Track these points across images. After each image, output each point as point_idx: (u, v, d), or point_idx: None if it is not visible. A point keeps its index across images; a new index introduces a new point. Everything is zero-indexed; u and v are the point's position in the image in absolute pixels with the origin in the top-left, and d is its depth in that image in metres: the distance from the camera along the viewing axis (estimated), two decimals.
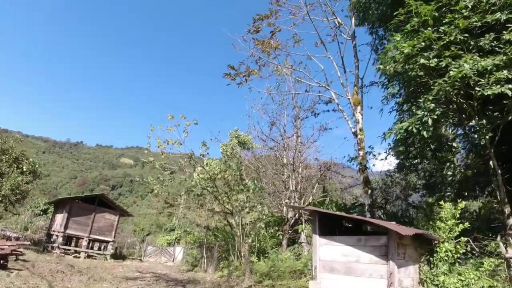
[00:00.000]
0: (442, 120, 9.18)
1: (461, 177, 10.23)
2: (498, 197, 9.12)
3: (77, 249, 24.72)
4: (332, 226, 7.89)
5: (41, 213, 42.26)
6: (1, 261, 11.40)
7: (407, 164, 31.15)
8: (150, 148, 14.96)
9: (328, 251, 7.24)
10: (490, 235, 8.92)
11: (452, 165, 10.20)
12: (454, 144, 10.37)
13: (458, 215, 7.86)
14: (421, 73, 9.28)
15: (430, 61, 9.23)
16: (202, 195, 17.10)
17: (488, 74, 8.08)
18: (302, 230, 17.17)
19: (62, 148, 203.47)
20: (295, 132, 20.91)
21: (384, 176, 29.60)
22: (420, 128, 8.85)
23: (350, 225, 8.90)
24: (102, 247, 25.95)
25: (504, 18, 8.51)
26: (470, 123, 10.50)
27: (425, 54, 9.29)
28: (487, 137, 9.03)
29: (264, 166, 22.97)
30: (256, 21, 15.22)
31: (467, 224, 7.86)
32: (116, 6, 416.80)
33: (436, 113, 8.83)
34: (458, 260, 7.55)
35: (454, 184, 10.51)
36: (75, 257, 23.53)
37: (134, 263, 24.13)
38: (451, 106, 9.77)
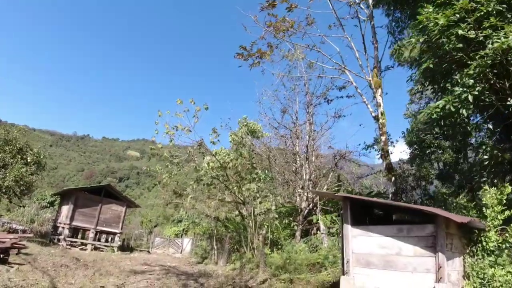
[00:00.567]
0: (483, 97, 8.26)
1: (498, 161, 9.30)
2: None
3: (83, 241, 24.14)
4: (362, 215, 7.07)
5: (48, 205, 41.97)
6: (1, 255, 10.68)
7: (420, 154, 30.22)
8: (158, 135, 14.13)
9: (363, 243, 6.41)
10: None
11: (488, 148, 9.26)
12: (490, 126, 9.41)
13: (504, 201, 7.00)
14: (460, 45, 8.33)
15: (469, 33, 8.31)
16: (212, 184, 16.30)
17: None
18: (317, 221, 16.40)
19: (69, 141, 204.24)
20: (307, 119, 20.01)
21: (397, 167, 28.75)
22: (459, 106, 7.96)
23: (381, 214, 8.08)
24: (110, 239, 25.39)
25: None
26: (508, 103, 9.54)
27: (462, 25, 8.37)
28: None
29: (275, 156, 22.14)
30: None
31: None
32: None
33: (477, 89, 7.93)
34: (506, 250, 6.69)
35: (490, 169, 9.59)
36: (81, 249, 22.96)
37: (142, 255, 23.52)
38: (484, 85, 8.82)
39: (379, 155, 13.96)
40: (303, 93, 20.49)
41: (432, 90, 12.51)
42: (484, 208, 6.96)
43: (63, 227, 23.45)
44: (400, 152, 26.20)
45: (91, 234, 24.07)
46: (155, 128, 14.08)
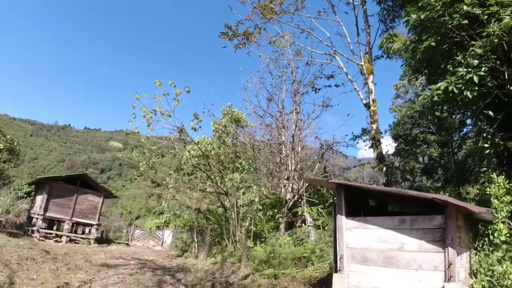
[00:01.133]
0: (488, 79, 7.59)
1: (499, 149, 8.68)
2: None
3: (58, 233, 22.97)
4: (356, 206, 6.29)
5: (25, 195, 40.33)
6: None
7: (406, 148, 29.81)
8: (135, 120, 13.06)
9: (359, 236, 5.63)
10: None
11: (489, 136, 8.62)
12: (490, 113, 8.76)
13: None
14: (466, 21, 7.62)
15: (474, 9, 7.61)
16: (193, 174, 15.40)
17: None
18: (302, 213, 15.69)
19: (50, 131, 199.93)
20: (294, 108, 19.21)
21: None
22: (463, 88, 7.25)
23: (374, 205, 7.34)
24: (87, 231, 24.28)
25: None
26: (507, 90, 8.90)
27: (467, 1, 7.66)
28: None
29: (259, 146, 21.30)
30: None
31: None
32: None
33: (483, 69, 7.24)
34: None
35: (491, 159, 8.97)
36: (56, 241, 21.82)
37: (120, 248, 22.50)
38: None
39: (370, 144, 13.31)
40: (290, 81, 19.65)
41: (426, 76, 11.84)
42: (492, 199, 6.29)
43: (36, 218, 22.25)
44: (385, 145, 25.76)
45: (66, 226, 22.92)
46: (132, 113, 13.08)
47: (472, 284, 5.42)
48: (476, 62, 7.31)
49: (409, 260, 5.05)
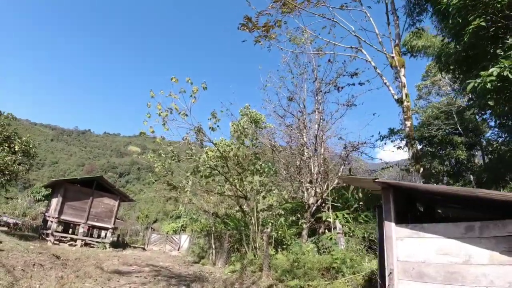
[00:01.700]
0: None
1: None
2: None
3: (73, 236, 22.47)
4: (400, 210, 5.27)
5: (43, 198, 40.46)
6: None
7: (431, 150, 28.35)
8: (150, 119, 12.30)
9: (413, 247, 4.59)
10: None
11: None
12: None
13: None
14: None
15: None
16: (210, 176, 14.57)
17: None
18: (327, 218, 14.66)
19: (70, 136, 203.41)
20: (316, 108, 18.19)
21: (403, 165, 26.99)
22: None
23: (421, 210, 6.31)
24: (103, 235, 23.76)
25: None
26: None
27: None
28: None
29: (279, 147, 20.31)
30: None
31: None
32: None
33: None
34: None
35: None
36: (70, 245, 21.30)
37: (135, 252, 21.83)
38: None
39: (400, 144, 12.16)
40: (311, 80, 18.67)
41: (463, 69, 10.74)
42: None
43: (51, 221, 21.79)
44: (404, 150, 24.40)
45: (81, 229, 22.41)
46: (147, 112, 12.34)
47: None
48: None
49: (477, 276, 4.01)
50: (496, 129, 25.58)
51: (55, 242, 20.77)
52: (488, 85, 6.65)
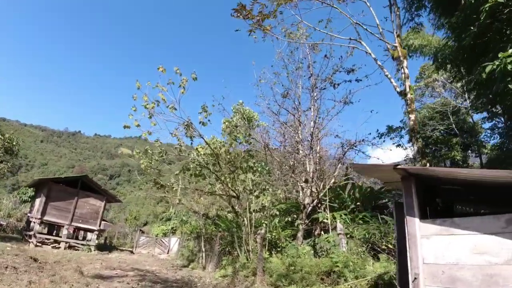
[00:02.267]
0: None
1: None
2: None
3: (57, 238, 21.42)
4: (423, 205, 4.46)
5: (29, 199, 39.19)
6: None
7: (427, 151, 27.71)
8: (136, 112, 11.42)
9: (442, 246, 3.76)
10: None
11: None
12: None
13: None
14: None
15: None
16: (201, 174, 13.72)
17: None
18: (323, 219, 13.88)
19: (60, 137, 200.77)
20: (312, 105, 17.45)
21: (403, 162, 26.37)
22: None
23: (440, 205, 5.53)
24: (89, 237, 22.75)
25: None
26: None
27: None
28: None
29: (272, 146, 19.52)
30: None
31: None
32: None
33: None
34: None
35: None
36: (53, 247, 20.26)
37: (121, 256, 20.81)
38: None
39: (409, 138, 11.45)
40: (306, 76, 17.95)
41: (471, 60, 10.05)
42: None
43: (34, 222, 20.74)
44: (403, 149, 23.74)
45: (64, 231, 21.37)
46: (132, 105, 11.45)
47: None
48: None
49: None
50: (489, 131, 25.33)
51: (38, 244, 19.75)
52: (509, 67, 5.95)
